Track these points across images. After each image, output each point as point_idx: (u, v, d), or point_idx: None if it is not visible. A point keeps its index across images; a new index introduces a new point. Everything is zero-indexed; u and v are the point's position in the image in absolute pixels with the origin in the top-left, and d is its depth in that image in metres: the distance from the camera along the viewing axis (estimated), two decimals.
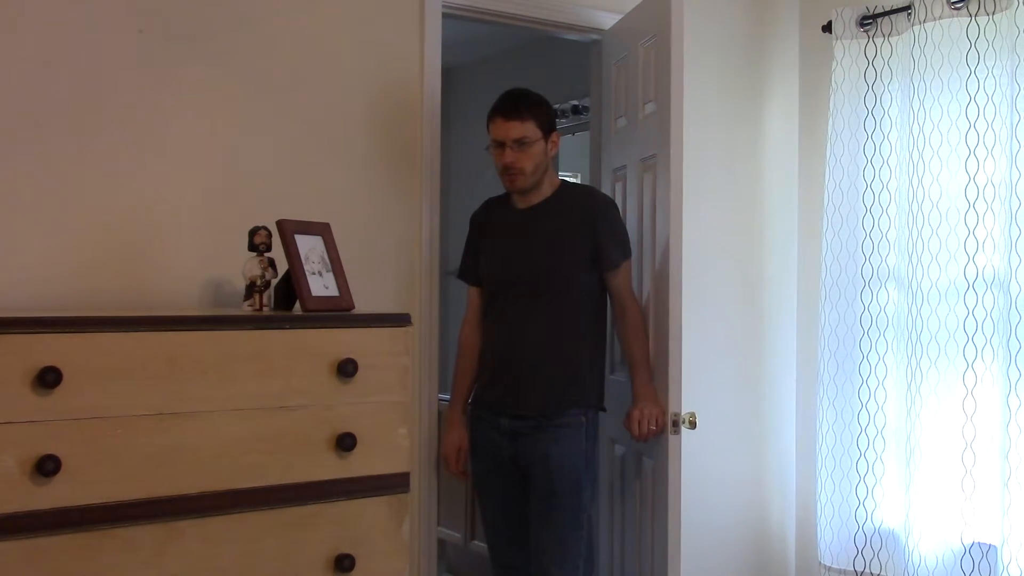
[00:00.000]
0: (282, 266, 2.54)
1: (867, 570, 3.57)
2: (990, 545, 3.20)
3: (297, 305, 2.49)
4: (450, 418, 3.06)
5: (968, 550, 3.24)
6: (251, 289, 2.53)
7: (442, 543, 4.27)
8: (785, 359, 3.98)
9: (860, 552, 3.57)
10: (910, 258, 3.39)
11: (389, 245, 3.09)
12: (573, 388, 2.89)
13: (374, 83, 3.07)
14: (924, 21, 3.36)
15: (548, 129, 2.90)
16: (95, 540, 2.07)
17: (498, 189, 3.08)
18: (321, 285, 2.51)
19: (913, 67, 3.40)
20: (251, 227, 2.56)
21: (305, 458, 2.33)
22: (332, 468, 2.37)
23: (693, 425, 2.91)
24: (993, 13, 3.21)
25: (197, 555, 2.19)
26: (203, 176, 2.79)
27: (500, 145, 2.86)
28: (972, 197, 3.25)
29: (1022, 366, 3.09)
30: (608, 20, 3.49)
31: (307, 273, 2.48)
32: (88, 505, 2.06)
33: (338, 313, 2.49)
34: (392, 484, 2.46)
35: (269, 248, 2.55)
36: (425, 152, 3.14)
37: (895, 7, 3.51)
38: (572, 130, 4.93)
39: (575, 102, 4.94)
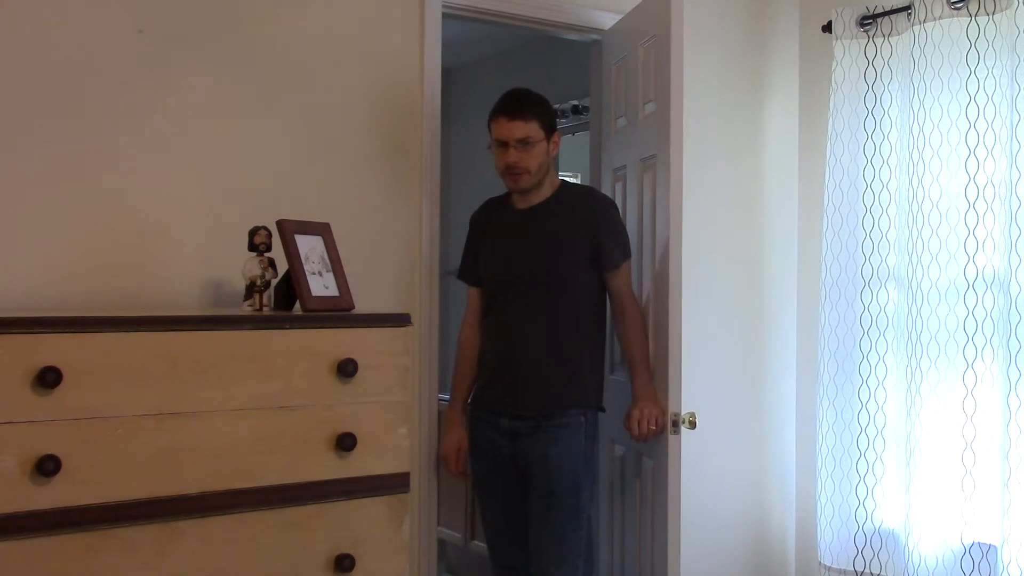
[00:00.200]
0: (282, 266, 2.54)
1: (867, 570, 3.57)
2: (990, 545, 3.20)
3: (297, 305, 2.49)
4: (450, 418, 3.06)
5: (968, 550, 3.24)
6: (251, 289, 2.53)
7: (442, 543, 4.27)
8: (785, 359, 3.98)
9: (860, 552, 3.57)
10: (910, 258, 3.39)
11: (389, 245, 3.09)
12: (572, 388, 2.89)
13: (374, 83, 3.07)
14: (924, 21, 3.36)
15: (550, 129, 2.90)
16: (95, 540, 2.07)
17: (498, 189, 3.08)
18: (321, 285, 2.51)
19: (913, 67, 3.40)
20: (251, 227, 2.56)
21: (305, 458, 2.34)
22: (332, 468, 2.37)
23: (693, 425, 2.91)
24: (993, 13, 3.21)
25: (197, 555, 2.19)
26: (203, 176, 2.79)
27: (503, 145, 2.86)
28: (972, 197, 3.25)
29: (1022, 366, 3.09)
30: (608, 20, 3.49)
31: (307, 273, 2.48)
32: (88, 505, 2.06)
33: (338, 313, 2.49)
34: (392, 484, 2.46)
35: (269, 248, 2.55)
36: (425, 152, 3.14)
37: (895, 7, 3.51)
38: (572, 130, 4.93)
39: (575, 102, 4.94)
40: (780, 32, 3.99)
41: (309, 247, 2.53)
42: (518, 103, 2.86)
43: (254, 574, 2.27)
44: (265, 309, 2.53)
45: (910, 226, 3.40)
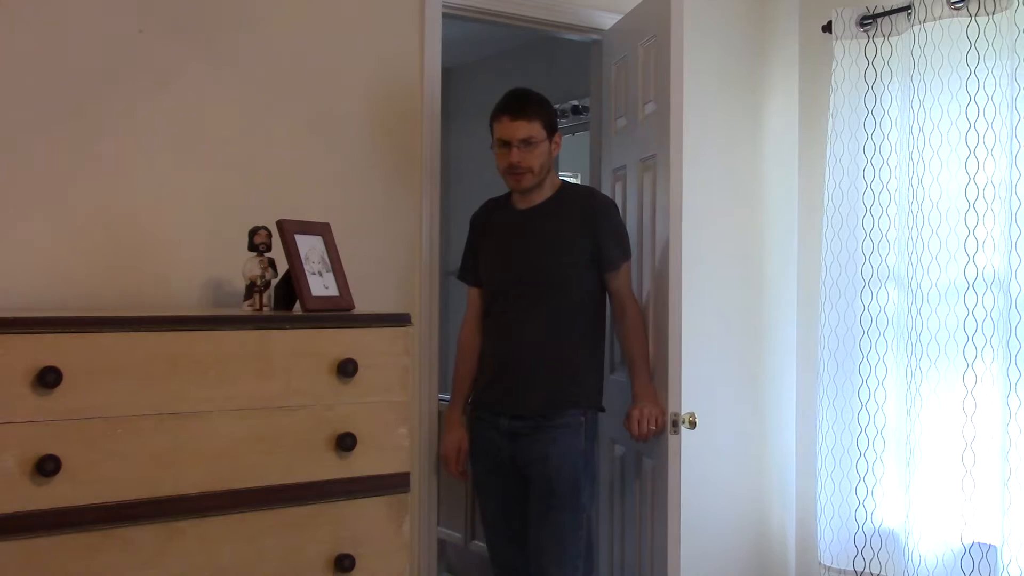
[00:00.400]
0: (282, 266, 2.54)
1: (867, 570, 3.56)
2: (990, 545, 3.20)
3: (297, 305, 2.49)
4: (450, 418, 3.06)
5: (968, 550, 3.24)
6: (251, 289, 2.53)
7: (442, 543, 4.27)
8: (785, 359, 3.98)
9: (860, 552, 3.57)
10: (910, 258, 3.39)
11: (389, 245, 3.09)
12: (572, 388, 2.89)
13: (374, 83, 3.07)
14: (924, 21, 3.36)
15: (552, 129, 2.90)
16: (95, 540, 2.07)
17: (498, 189, 3.08)
18: (321, 285, 2.51)
19: (913, 67, 3.40)
20: (251, 227, 2.56)
21: (305, 458, 2.34)
22: (332, 468, 2.37)
23: (693, 425, 2.91)
24: (993, 13, 3.21)
25: (197, 555, 2.19)
26: (203, 176, 2.79)
27: (505, 144, 2.86)
28: (972, 197, 3.25)
29: (1022, 366, 3.09)
30: (608, 20, 3.49)
31: (307, 273, 2.48)
32: (88, 505, 2.06)
33: (338, 313, 2.50)
34: (392, 484, 2.46)
35: (269, 248, 2.55)
36: (425, 152, 3.14)
37: (895, 7, 3.51)
38: (572, 130, 4.93)
39: (575, 102, 4.94)
40: (780, 32, 3.99)
41: (309, 247, 2.53)
42: (521, 103, 2.86)
43: (254, 574, 2.27)
44: (265, 309, 2.53)
45: (910, 226, 3.40)
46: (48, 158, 2.56)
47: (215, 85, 2.81)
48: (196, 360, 2.19)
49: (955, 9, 3.28)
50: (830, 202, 3.66)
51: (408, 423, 2.50)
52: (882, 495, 3.54)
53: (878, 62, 3.56)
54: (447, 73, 3.41)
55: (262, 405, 2.28)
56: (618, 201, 3.26)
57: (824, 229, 3.68)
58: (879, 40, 3.56)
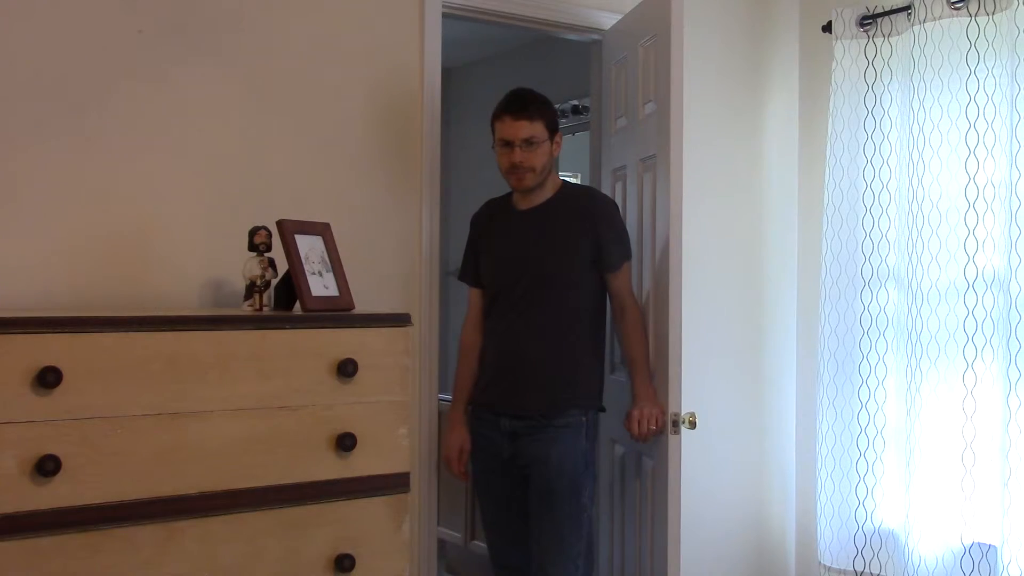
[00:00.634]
0: (282, 266, 2.54)
1: (867, 570, 3.56)
2: (990, 545, 3.20)
3: (297, 305, 2.49)
4: (452, 419, 3.06)
5: (968, 550, 3.24)
6: (251, 289, 2.53)
7: (442, 543, 4.27)
8: (785, 359, 3.98)
9: (860, 552, 3.57)
10: (910, 258, 3.39)
11: (389, 245, 3.09)
12: (573, 389, 2.89)
13: (374, 83, 3.07)
14: (924, 21, 3.36)
15: (553, 129, 2.91)
16: (95, 540, 2.07)
17: (498, 189, 3.08)
18: (321, 285, 2.51)
19: (913, 67, 3.40)
20: (251, 227, 2.56)
21: (305, 458, 2.34)
22: (332, 468, 2.37)
23: (693, 425, 2.91)
24: (993, 13, 3.21)
25: (197, 555, 2.19)
26: (203, 176, 2.79)
27: (507, 144, 2.86)
28: (972, 197, 3.25)
29: (1022, 366, 3.09)
30: (608, 20, 3.49)
31: (307, 273, 2.48)
32: (88, 505, 2.06)
33: (338, 313, 2.49)
34: (392, 484, 2.46)
35: (269, 248, 2.55)
36: (425, 152, 3.14)
37: (895, 7, 3.51)
38: (572, 130, 4.93)
39: (575, 102, 4.94)
40: (780, 32, 3.99)
41: (309, 247, 2.53)
42: (523, 103, 2.87)
43: (254, 574, 2.27)
44: (265, 309, 2.53)
45: (910, 226, 3.40)
46: (48, 158, 2.56)
47: (215, 85, 2.80)
48: (196, 360, 2.19)
49: (955, 9, 3.28)
50: (830, 202, 3.66)
51: (408, 423, 2.50)
52: (882, 495, 3.54)
53: (878, 62, 3.56)
54: (447, 73, 3.41)
55: (262, 405, 2.28)
56: (618, 201, 3.26)
57: (824, 229, 3.68)
58: (879, 40, 3.56)
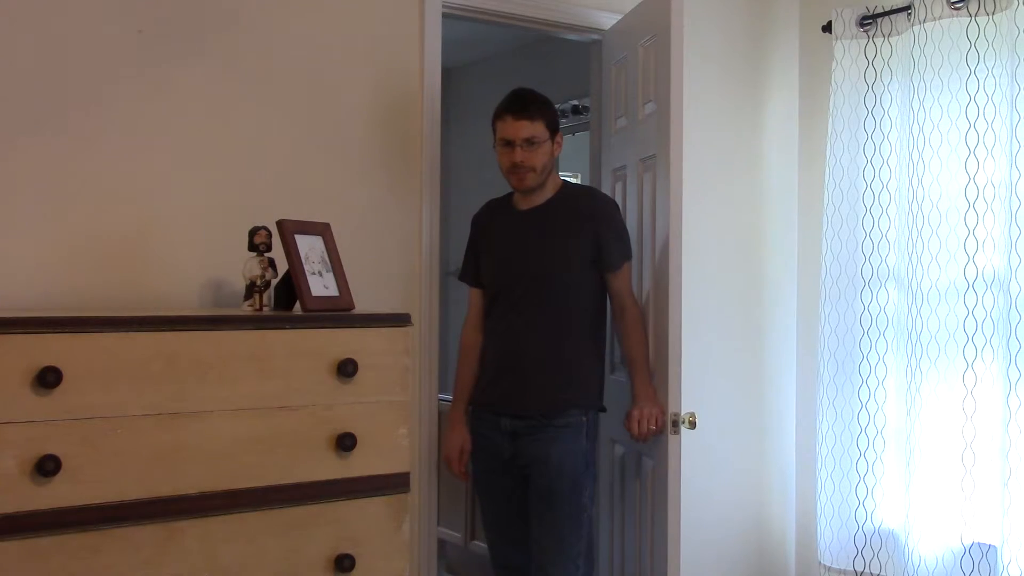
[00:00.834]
0: (282, 266, 2.54)
1: (867, 570, 3.56)
2: (990, 545, 3.20)
3: (297, 305, 2.49)
4: (452, 419, 3.06)
5: (968, 550, 3.24)
6: (251, 289, 2.53)
7: (442, 543, 4.27)
8: (785, 359, 3.98)
9: (860, 552, 3.57)
10: (910, 258, 3.39)
11: (389, 245, 3.09)
12: (573, 388, 2.89)
13: (374, 83, 3.07)
14: (924, 21, 3.36)
15: (554, 129, 2.91)
16: (95, 540, 2.07)
17: (498, 189, 3.08)
18: (321, 285, 2.51)
19: (913, 67, 3.40)
20: (251, 227, 2.56)
21: (305, 458, 2.33)
22: (332, 468, 2.37)
23: (693, 425, 2.91)
24: (993, 13, 3.21)
25: (197, 555, 2.19)
26: (203, 176, 2.79)
27: (508, 144, 2.86)
28: (972, 197, 3.25)
29: (1022, 366, 3.09)
30: (608, 20, 3.49)
31: (307, 273, 2.48)
32: (88, 505, 2.06)
33: (338, 313, 2.49)
34: (392, 484, 2.46)
35: (269, 248, 2.55)
36: (425, 152, 3.14)
37: (895, 7, 3.51)
38: (572, 130, 4.93)
39: (575, 102, 4.94)
40: (780, 32, 3.99)
41: (309, 247, 2.53)
42: (524, 102, 2.87)
43: (254, 574, 2.27)
44: (265, 309, 2.53)
45: (910, 226, 3.40)
46: (48, 158, 2.56)
47: (215, 85, 2.80)
48: (196, 360, 2.19)
49: (955, 9, 3.28)
50: (830, 202, 3.66)
51: (408, 423, 2.50)
52: (882, 495, 3.54)
53: (878, 62, 3.56)
54: (447, 73, 3.41)
55: (262, 405, 2.28)
56: (618, 201, 3.26)
57: (824, 229, 3.68)
58: (879, 40, 3.56)
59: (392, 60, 3.10)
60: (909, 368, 3.39)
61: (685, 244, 2.96)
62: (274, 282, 2.56)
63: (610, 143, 3.48)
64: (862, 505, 3.56)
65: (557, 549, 2.83)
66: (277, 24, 2.91)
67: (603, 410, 2.98)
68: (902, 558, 3.43)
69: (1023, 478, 3.08)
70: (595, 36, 3.56)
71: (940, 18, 3.32)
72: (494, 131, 2.91)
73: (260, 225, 2.56)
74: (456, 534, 4.51)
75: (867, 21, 3.57)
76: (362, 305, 2.65)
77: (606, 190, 3.43)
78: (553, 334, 2.88)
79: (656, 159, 3.02)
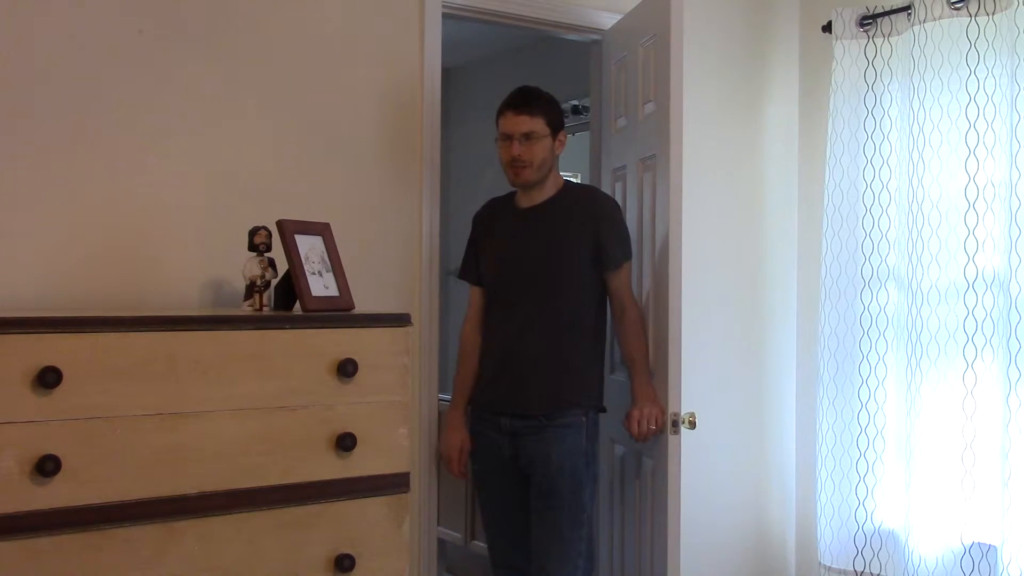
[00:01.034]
0: (282, 266, 2.54)
1: (867, 570, 3.56)
2: (990, 545, 3.20)
3: (297, 305, 2.49)
4: (452, 418, 3.06)
5: (968, 550, 3.24)
6: (251, 289, 2.53)
7: (442, 543, 4.26)
8: (785, 359, 3.98)
9: (860, 552, 3.57)
10: (910, 258, 3.39)
11: (389, 245, 3.09)
12: (574, 388, 2.89)
13: (374, 83, 3.07)
14: (924, 21, 3.36)
15: (556, 127, 2.91)
16: (95, 540, 2.07)
17: (498, 189, 3.08)
18: (321, 285, 2.51)
19: (913, 67, 3.40)
20: (251, 227, 2.56)
21: (305, 458, 2.33)
22: (332, 468, 2.37)
23: (693, 425, 2.91)
24: (993, 13, 3.21)
25: (197, 555, 2.19)
26: (203, 176, 2.79)
27: (508, 138, 2.87)
28: (972, 197, 3.25)
29: (1022, 366, 3.09)
30: (608, 20, 3.49)
31: (307, 273, 2.48)
32: (88, 505, 2.06)
33: (338, 313, 2.50)
34: (392, 484, 2.46)
35: (269, 248, 2.55)
36: (425, 152, 3.14)
37: (895, 7, 3.51)
38: (572, 130, 4.90)
39: (575, 102, 4.93)
40: (780, 32, 3.99)
41: (309, 247, 2.53)
42: (526, 98, 2.89)
43: (254, 574, 2.27)
44: (265, 309, 2.53)
45: (910, 226, 3.40)
46: (48, 158, 2.56)
47: (215, 85, 2.80)
48: (196, 360, 2.19)
49: (955, 9, 3.28)
50: (830, 202, 3.66)
51: (408, 423, 2.50)
52: (882, 495, 3.54)
53: (878, 62, 3.56)
54: (447, 73, 3.41)
55: (262, 405, 2.28)
56: (618, 201, 3.26)
57: (824, 229, 3.68)
58: (879, 40, 3.56)
59: (392, 60, 3.10)
60: (909, 368, 3.39)
61: (685, 244, 2.96)
62: (274, 282, 2.56)
63: (610, 143, 3.48)
64: (862, 505, 3.56)
65: (557, 549, 2.83)
66: (278, 24, 2.91)
67: (603, 410, 2.98)
68: (902, 558, 3.43)
69: (1023, 478, 3.08)
70: (595, 36, 3.56)
71: (940, 18, 3.32)
72: (497, 127, 2.91)
73: (260, 225, 2.56)
74: (456, 534, 4.51)
75: (867, 21, 3.57)
76: (362, 305, 2.65)
77: (606, 190, 3.42)
78: (553, 333, 2.88)
79: (656, 159, 3.02)
